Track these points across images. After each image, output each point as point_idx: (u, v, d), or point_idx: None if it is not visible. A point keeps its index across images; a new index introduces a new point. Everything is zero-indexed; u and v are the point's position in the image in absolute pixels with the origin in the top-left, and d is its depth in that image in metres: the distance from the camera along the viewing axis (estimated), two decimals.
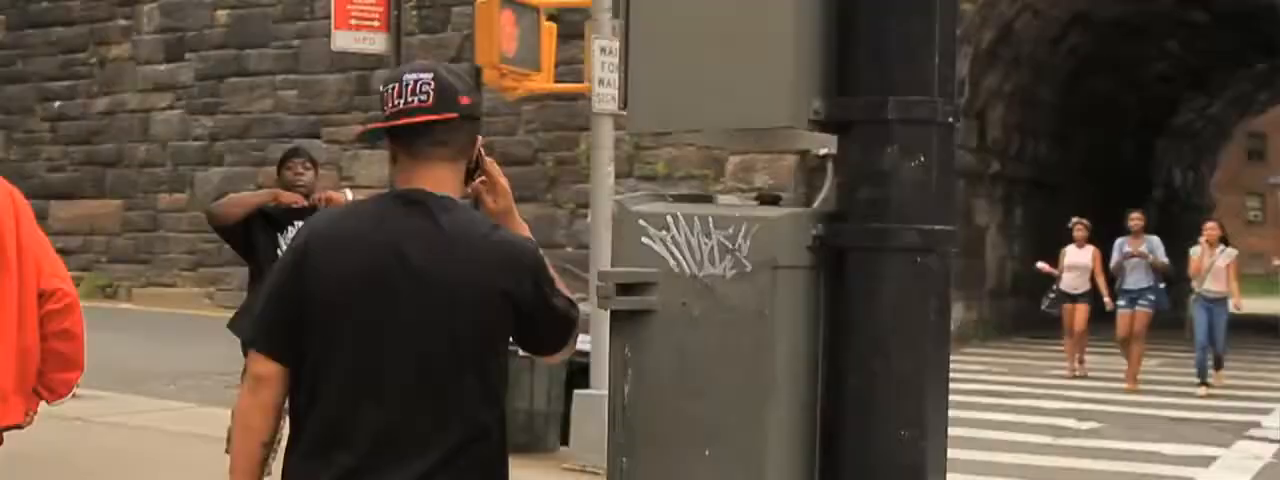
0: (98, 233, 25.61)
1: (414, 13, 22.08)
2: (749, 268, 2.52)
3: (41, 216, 27.35)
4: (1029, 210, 22.66)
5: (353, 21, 10.36)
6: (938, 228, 2.54)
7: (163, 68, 25.27)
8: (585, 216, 19.22)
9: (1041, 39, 21.10)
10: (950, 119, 2.56)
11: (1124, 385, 14.09)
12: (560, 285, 2.70)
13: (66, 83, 26.51)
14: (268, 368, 2.59)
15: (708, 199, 2.76)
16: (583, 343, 9.56)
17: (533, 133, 21.12)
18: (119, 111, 25.76)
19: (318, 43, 21.03)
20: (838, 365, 2.56)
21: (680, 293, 2.58)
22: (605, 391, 9.19)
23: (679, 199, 2.74)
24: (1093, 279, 14.65)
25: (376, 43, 10.40)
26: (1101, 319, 14.83)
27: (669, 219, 2.60)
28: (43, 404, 3.90)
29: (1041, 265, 15.35)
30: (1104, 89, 24.66)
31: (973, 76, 19.73)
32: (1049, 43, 21.46)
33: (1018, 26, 20.04)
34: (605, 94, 8.74)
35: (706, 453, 2.57)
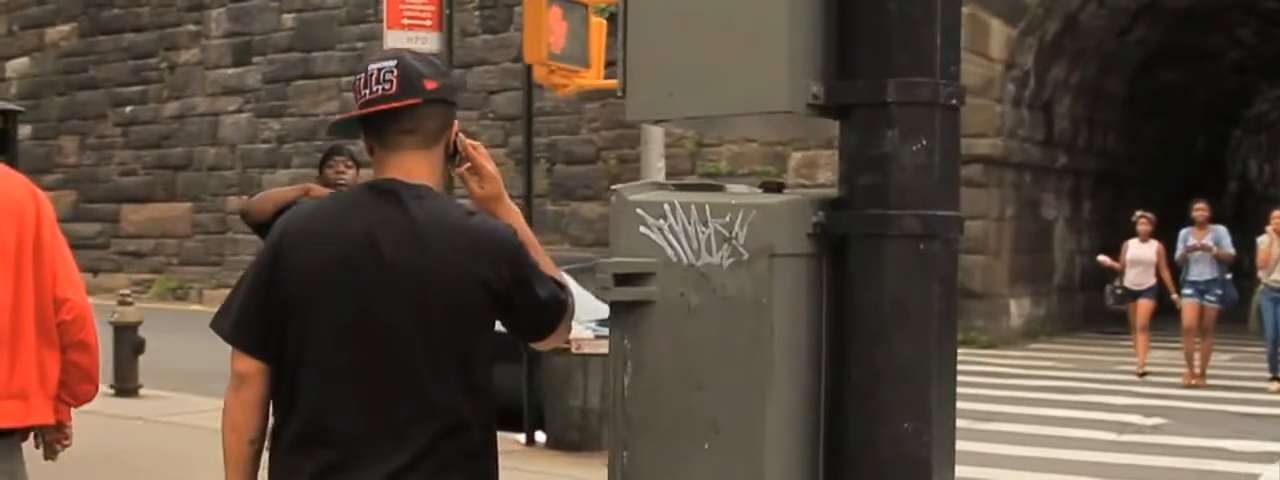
0: (168, 235, 25.97)
1: (476, 13, 22.18)
2: (746, 256, 2.46)
3: (113, 220, 27.90)
4: (1098, 204, 22.33)
5: (405, 21, 10.37)
6: (940, 213, 2.46)
7: (231, 72, 25.58)
8: None
9: (1108, 30, 20.76)
10: (954, 101, 2.48)
11: (1188, 380, 13.81)
12: (550, 270, 2.65)
13: (137, 88, 26.91)
14: (248, 365, 2.57)
15: (716, 188, 2.70)
16: None
17: (595, 131, 21.12)
18: (189, 115, 26.11)
19: (381, 45, 21.17)
20: (840, 356, 2.50)
21: (678, 283, 2.53)
22: None
23: (681, 188, 2.68)
24: (1158, 274, 14.35)
25: (429, 42, 10.40)
26: (1169, 313, 14.55)
27: (666, 207, 2.54)
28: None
29: (1103, 259, 15.08)
30: (1174, 80, 24.24)
31: (1038, 69, 19.47)
32: (1116, 34, 21.12)
33: (1083, 18, 19.74)
34: None
35: (705, 446, 2.51)
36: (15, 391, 3.66)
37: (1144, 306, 14.38)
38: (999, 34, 18.52)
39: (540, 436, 9.47)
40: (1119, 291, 14.58)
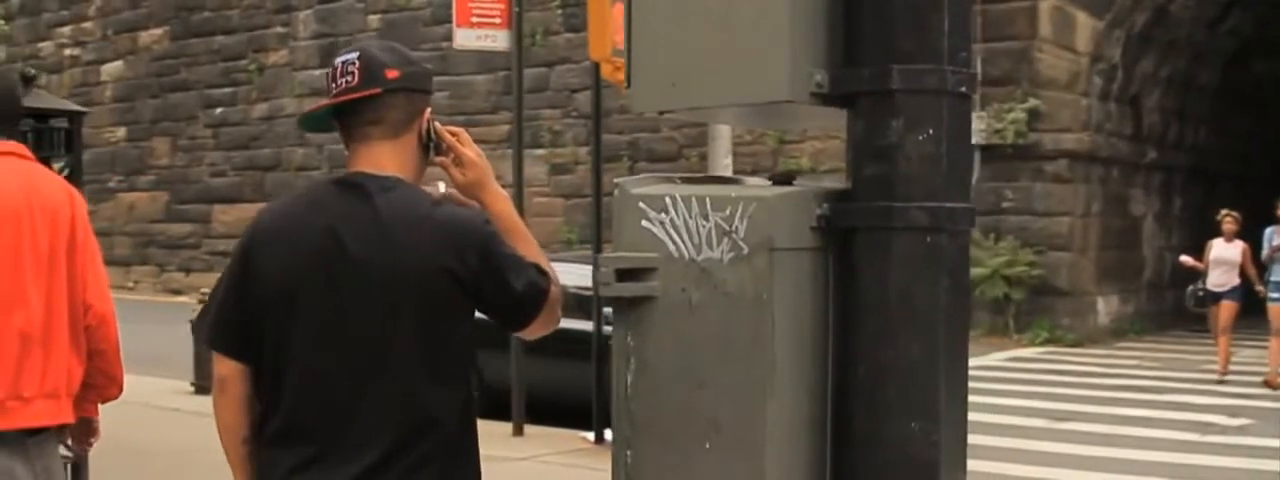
0: None
1: (558, 11, 22.22)
2: (746, 250, 2.38)
3: (205, 220, 28.29)
4: (1188, 200, 21.85)
5: (474, 19, 10.38)
6: (948, 205, 2.37)
7: (318, 73, 25.83)
8: None
9: (1199, 20, 20.30)
10: (963, 88, 2.39)
11: (1273, 380, 13.42)
12: (535, 256, 2.58)
13: (227, 89, 27.31)
14: (228, 367, 2.56)
15: (722, 180, 2.63)
16: None
17: (677, 129, 21.06)
18: (277, 116, 26.43)
19: None
20: (847, 353, 2.42)
21: (679, 278, 2.46)
22: None
23: (686, 180, 2.62)
24: (1242, 274, 13.90)
25: (498, 40, 10.40)
26: (1257, 313, 14.15)
27: (667, 201, 2.48)
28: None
29: (1185, 259, 14.70)
30: (1269, 72, 23.65)
31: (1126, 62, 19.09)
32: (1207, 24, 20.64)
33: (1173, 9, 19.32)
34: None
35: (707, 446, 2.44)
36: (49, 391, 3.69)
37: (1227, 309, 13.94)
38: (1085, 27, 18.19)
39: (609, 435, 9.43)
40: (1201, 294, 14.14)
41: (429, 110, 2.58)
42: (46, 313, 3.67)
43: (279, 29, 26.62)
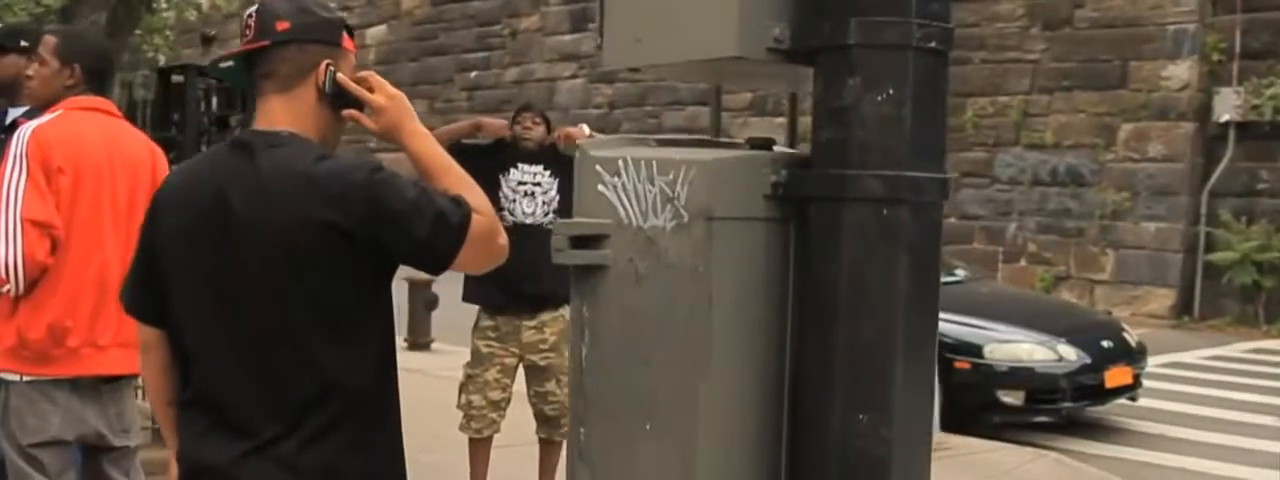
0: None
1: None
2: (686, 218, 2.19)
3: None
4: None
5: None
6: (910, 174, 2.13)
7: (567, 38, 26.16)
8: (972, 186, 18.50)
9: None
10: (933, 44, 2.14)
11: None
12: (458, 188, 2.38)
13: (481, 54, 27.90)
14: (147, 332, 2.53)
15: (689, 142, 2.43)
16: None
17: None
18: (527, 81, 26.86)
19: None
20: (799, 335, 2.20)
21: (628, 247, 2.29)
22: None
23: (661, 143, 2.43)
24: None
25: None
26: None
27: (619, 164, 2.30)
28: None
29: None
30: None
31: None
32: None
33: None
34: None
35: (647, 427, 2.27)
36: (125, 340, 3.76)
37: None
38: None
39: None
40: None
41: (327, 61, 2.44)
42: (123, 264, 3.74)
43: None
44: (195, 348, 2.41)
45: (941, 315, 8.01)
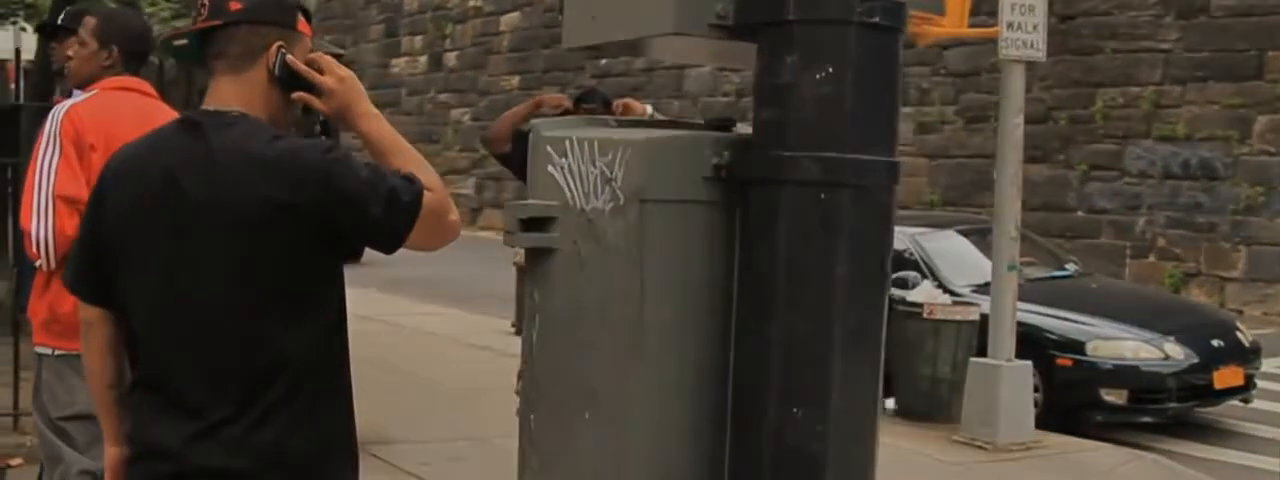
0: None
1: None
2: (622, 201, 2.12)
3: None
4: None
5: None
6: (852, 157, 2.02)
7: None
8: (1101, 179, 18.01)
9: None
10: (876, 18, 2.02)
11: None
12: (412, 167, 2.34)
13: None
14: (89, 312, 2.51)
15: (641, 123, 2.35)
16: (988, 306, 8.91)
17: (1047, 89, 19.98)
18: (656, 68, 26.84)
19: None
20: (739, 324, 2.11)
21: (572, 230, 2.22)
22: (1001, 360, 8.34)
23: (622, 124, 2.36)
24: None
25: None
26: None
27: (566, 144, 2.24)
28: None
29: None
30: None
31: None
32: None
33: None
34: (1014, 39, 7.98)
35: (587, 415, 2.20)
36: None
37: None
38: None
39: (889, 404, 9.05)
40: None
41: (278, 43, 2.41)
42: None
43: None
44: (144, 328, 2.39)
45: (1044, 311, 7.71)
